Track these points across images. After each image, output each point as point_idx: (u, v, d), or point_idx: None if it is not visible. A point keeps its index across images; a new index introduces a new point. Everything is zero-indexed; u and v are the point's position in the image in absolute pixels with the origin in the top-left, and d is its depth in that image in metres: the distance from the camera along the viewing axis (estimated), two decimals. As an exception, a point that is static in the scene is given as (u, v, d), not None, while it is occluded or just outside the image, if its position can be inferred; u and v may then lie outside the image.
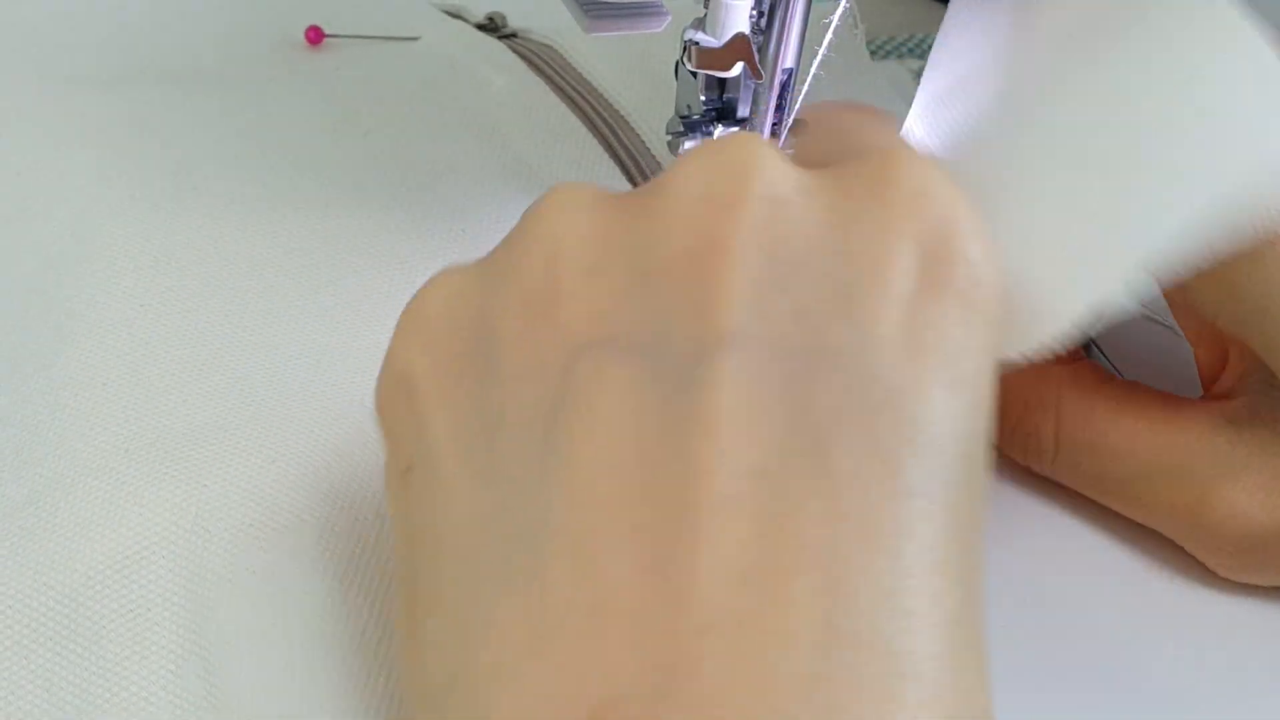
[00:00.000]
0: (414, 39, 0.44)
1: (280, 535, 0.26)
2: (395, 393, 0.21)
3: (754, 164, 0.20)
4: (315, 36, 0.43)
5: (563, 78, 0.42)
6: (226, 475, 0.27)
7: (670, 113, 0.35)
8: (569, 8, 0.30)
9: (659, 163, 0.39)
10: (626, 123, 0.40)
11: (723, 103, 0.34)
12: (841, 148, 0.23)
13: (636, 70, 0.42)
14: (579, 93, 0.42)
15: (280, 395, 0.29)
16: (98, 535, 0.26)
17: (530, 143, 0.39)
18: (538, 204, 0.21)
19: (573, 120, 0.40)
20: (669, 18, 0.31)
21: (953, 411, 0.19)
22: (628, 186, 0.38)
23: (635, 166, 0.39)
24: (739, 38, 0.31)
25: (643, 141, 0.39)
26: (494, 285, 0.20)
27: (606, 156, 0.39)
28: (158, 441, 0.28)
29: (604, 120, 0.41)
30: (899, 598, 0.17)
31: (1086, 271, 0.22)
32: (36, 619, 0.25)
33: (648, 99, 0.40)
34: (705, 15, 0.31)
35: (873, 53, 0.47)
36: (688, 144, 0.34)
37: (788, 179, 0.20)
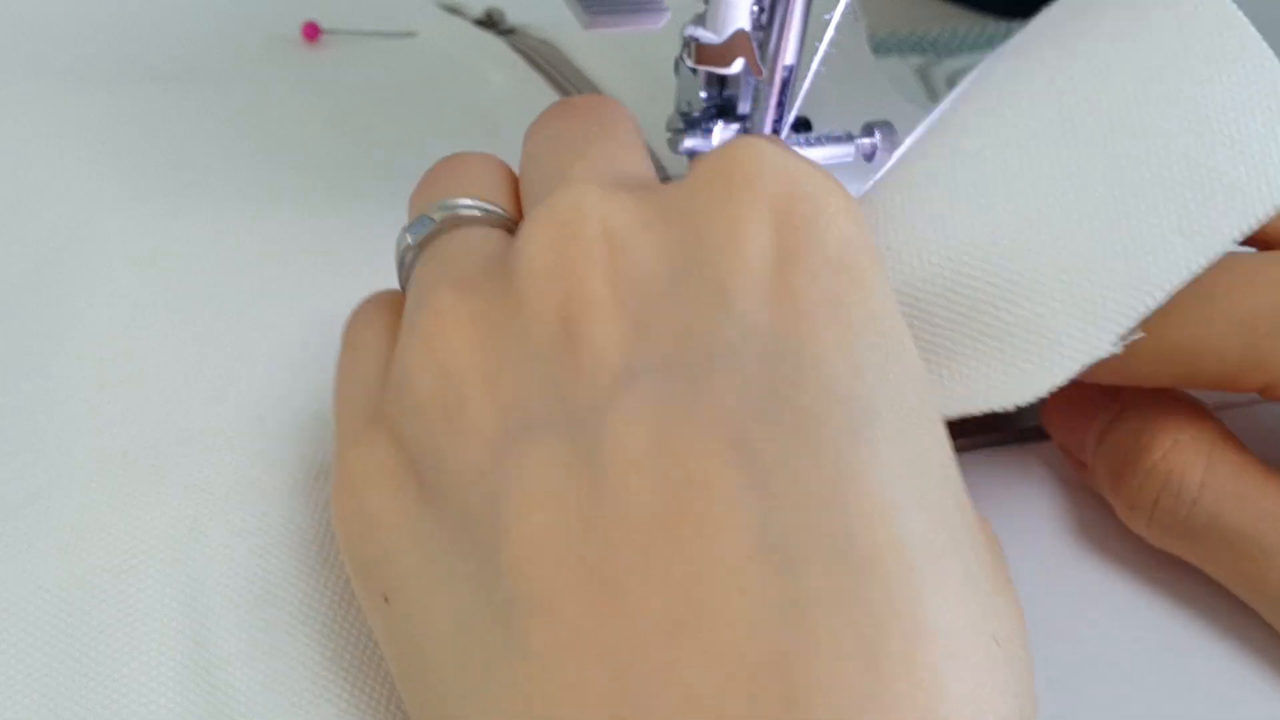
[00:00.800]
0: (411, 35, 0.44)
1: (280, 540, 0.26)
2: (354, 519, 0.22)
3: (583, 211, 0.21)
4: (312, 32, 0.42)
5: (561, 74, 0.42)
6: (225, 479, 0.27)
7: (670, 110, 0.35)
8: (568, 4, 0.30)
9: (658, 159, 0.38)
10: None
11: (723, 99, 0.34)
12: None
13: (636, 67, 0.41)
14: (578, 89, 0.42)
15: (279, 397, 0.29)
16: (95, 539, 0.26)
17: None
18: (418, 304, 0.22)
19: None
20: (669, 14, 0.30)
21: (861, 357, 0.20)
22: None
23: None
24: (739, 34, 0.30)
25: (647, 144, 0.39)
26: (412, 402, 0.21)
27: None
28: (156, 444, 0.28)
29: None
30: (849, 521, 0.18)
31: (1148, 258, 0.22)
32: (33, 622, 0.25)
33: (648, 96, 0.40)
34: (705, 11, 0.31)
35: (874, 49, 0.46)
36: (687, 142, 0.34)
37: (623, 211, 0.21)
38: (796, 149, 0.33)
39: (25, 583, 0.25)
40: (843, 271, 0.20)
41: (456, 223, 0.24)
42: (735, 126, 0.33)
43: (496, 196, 0.25)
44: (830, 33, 0.30)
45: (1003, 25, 0.52)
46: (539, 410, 0.20)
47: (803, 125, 0.34)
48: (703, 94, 0.34)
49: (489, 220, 0.24)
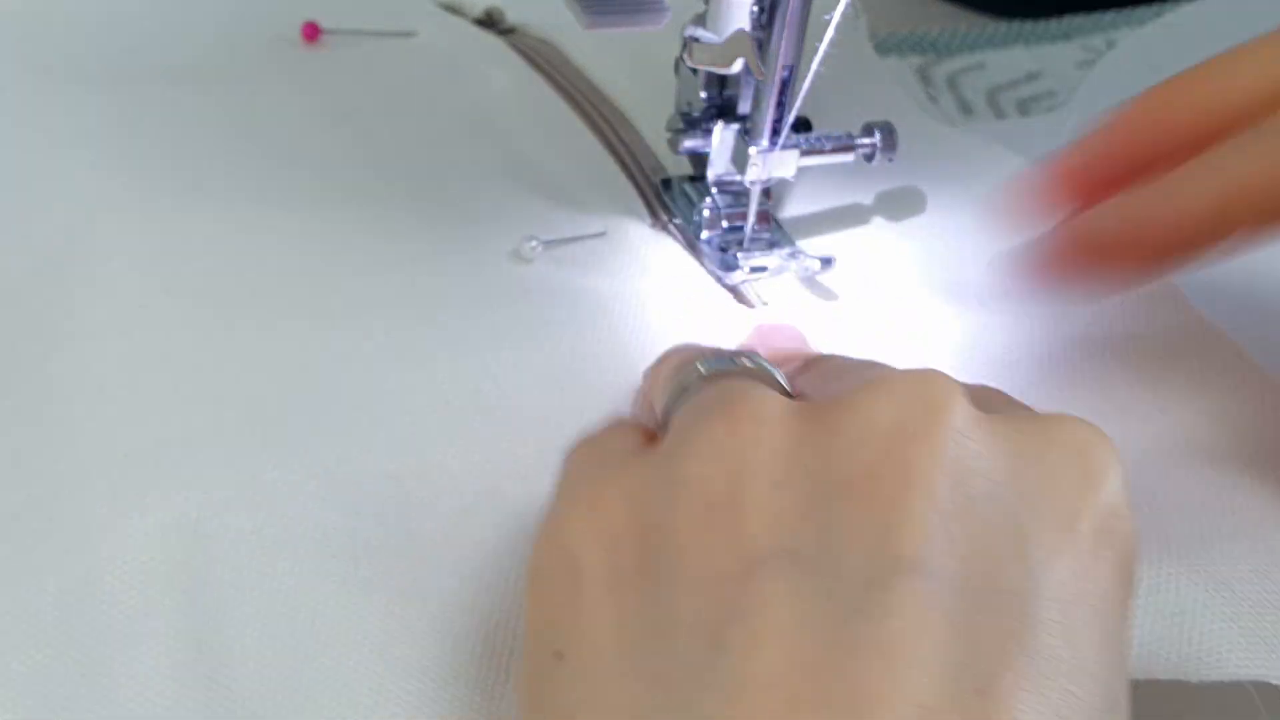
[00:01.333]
0: (411, 34, 0.44)
1: (282, 543, 0.26)
2: (556, 572, 0.21)
3: (946, 399, 0.21)
4: (312, 32, 0.43)
5: (561, 74, 0.42)
6: (227, 481, 0.27)
7: (670, 109, 0.35)
8: (569, 4, 0.30)
9: (658, 159, 0.38)
10: (626, 119, 0.40)
11: (723, 99, 0.34)
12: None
13: (636, 67, 0.41)
14: (578, 89, 0.42)
15: (281, 397, 0.29)
16: (98, 540, 0.26)
17: (528, 138, 0.39)
18: (725, 408, 0.21)
19: (571, 116, 0.40)
20: (669, 14, 0.30)
21: (1104, 663, 0.19)
22: (626, 183, 0.37)
23: (634, 162, 0.38)
24: (739, 34, 0.30)
25: (641, 137, 0.39)
26: (675, 489, 0.21)
27: (605, 152, 0.39)
28: (157, 446, 0.28)
29: (602, 116, 0.40)
30: None
31: None
32: (35, 623, 0.25)
33: (647, 96, 0.40)
34: (705, 11, 0.31)
35: (875, 49, 0.46)
36: (688, 142, 0.34)
37: (975, 418, 0.21)
38: (797, 150, 0.33)
39: (28, 584, 0.25)
40: (1123, 570, 0.21)
41: (745, 369, 0.24)
42: (735, 127, 0.33)
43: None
44: (830, 33, 0.30)
45: (1002, 25, 0.52)
46: (815, 547, 0.19)
47: (803, 125, 0.34)
48: (703, 94, 0.34)
49: (778, 385, 0.24)
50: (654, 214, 0.36)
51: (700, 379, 0.23)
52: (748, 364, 0.24)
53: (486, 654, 0.25)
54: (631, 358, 0.30)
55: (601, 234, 0.35)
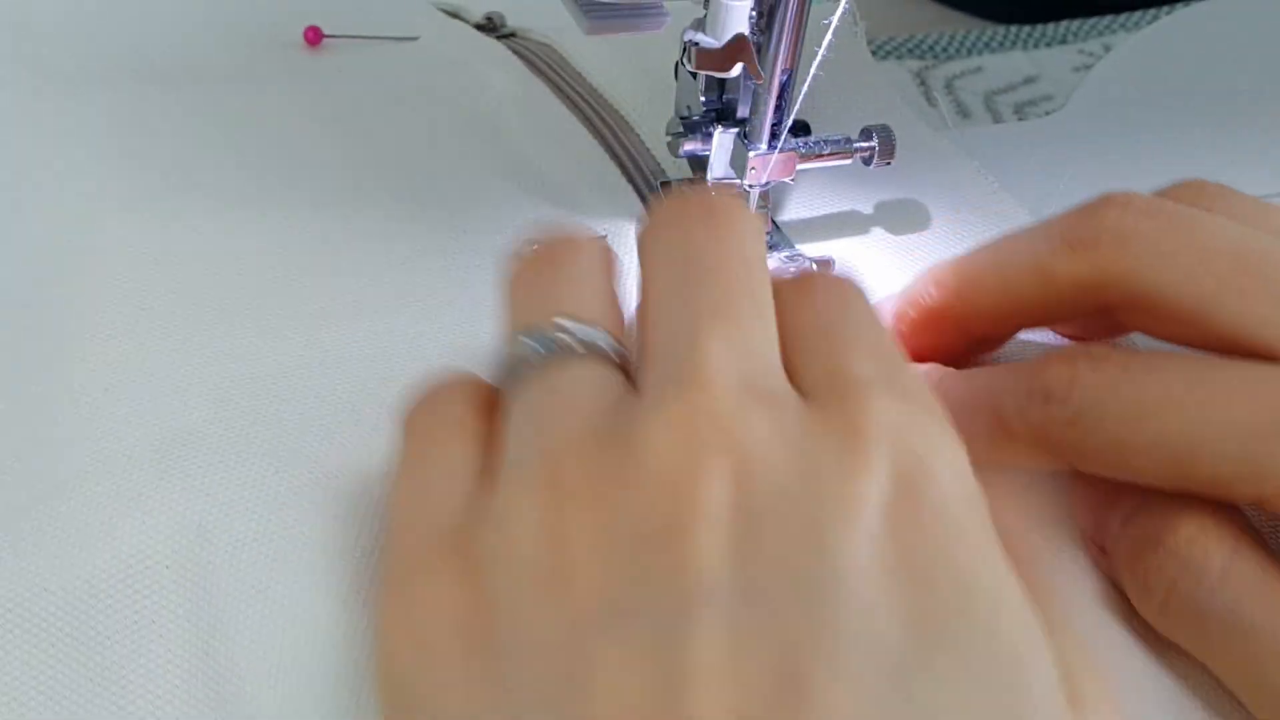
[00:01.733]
0: (413, 39, 0.44)
1: (285, 547, 0.26)
2: (404, 656, 0.22)
3: (718, 422, 0.21)
4: (314, 37, 0.43)
5: (561, 77, 0.43)
6: (231, 480, 0.27)
7: (670, 113, 0.35)
8: (569, 9, 0.30)
9: (658, 162, 0.39)
10: (626, 122, 0.40)
11: (723, 103, 0.34)
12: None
13: (636, 71, 0.42)
14: (578, 92, 0.42)
15: (282, 397, 0.29)
16: (101, 542, 0.26)
17: (529, 142, 0.39)
18: (531, 474, 0.22)
19: (571, 120, 0.41)
20: (669, 19, 0.31)
21: (937, 629, 0.20)
22: (627, 186, 0.38)
23: (634, 165, 0.39)
24: (738, 39, 0.31)
25: (642, 141, 0.40)
26: (506, 565, 0.21)
27: (605, 155, 0.39)
28: (160, 446, 0.28)
29: (603, 120, 0.41)
30: None
31: None
32: (39, 625, 0.25)
33: (647, 99, 0.40)
34: (705, 16, 0.31)
35: (873, 53, 0.47)
36: (687, 145, 0.34)
37: (754, 430, 0.21)
38: (795, 154, 0.33)
39: (30, 585, 0.25)
40: (951, 524, 0.21)
41: (574, 352, 0.24)
42: (734, 130, 0.34)
43: (610, 314, 0.25)
44: (829, 37, 0.30)
45: (1000, 30, 0.52)
46: (630, 601, 0.20)
47: (801, 129, 0.34)
48: (702, 98, 0.34)
49: (609, 359, 0.24)
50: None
51: (530, 367, 0.24)
52: (578, 346, 0.24)
53: None
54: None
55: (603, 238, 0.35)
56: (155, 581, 0.25)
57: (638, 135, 0.40)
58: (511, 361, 0.24)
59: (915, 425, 0.22)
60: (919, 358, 0.30)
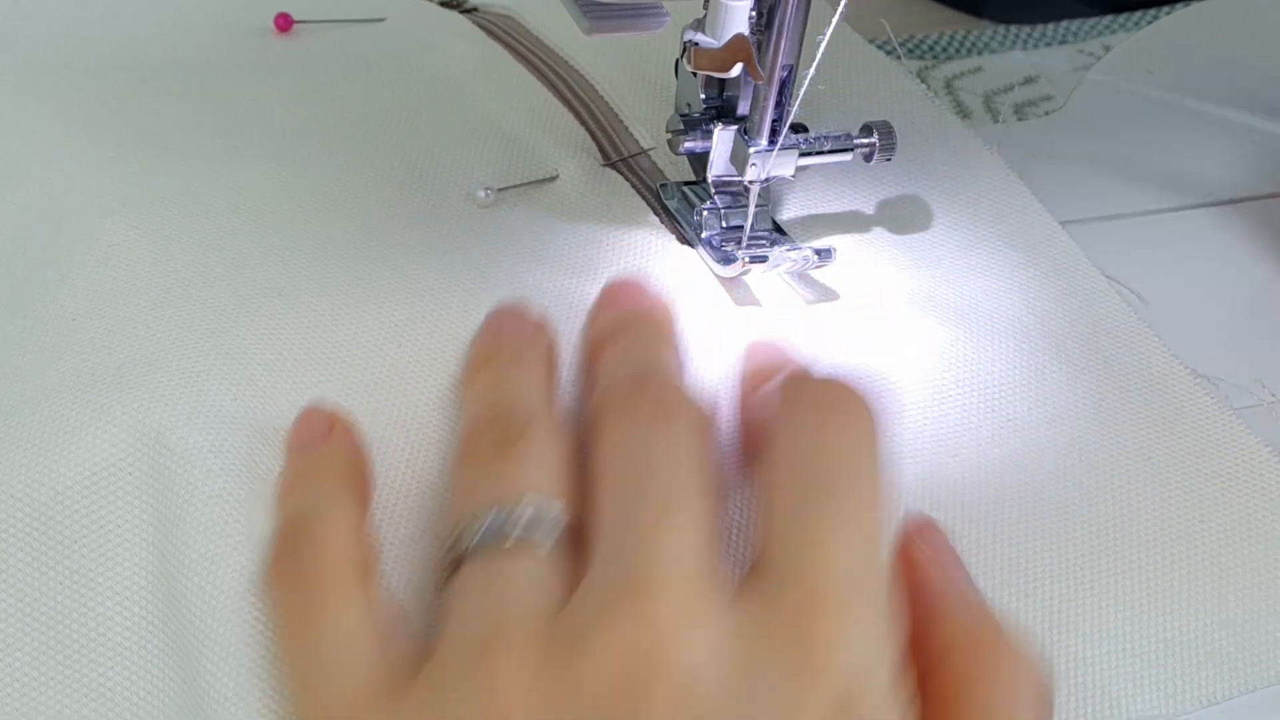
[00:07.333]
0: (380, 20, 0.45)
1: (239, 455, 0.28)
2: None
3: (660, 648, 0.22)
4: (285, 23, 0.44)
5: (520, 43, 0.46)
6: (188, 397, 0.29)
7: (670, 111, 0.36)
8: (569, 10, 0.31)
9: (615, 113, 0.41)
10: (582, 77, 0.43)
11: (722, 101, 0.35)
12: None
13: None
14: (536, 55, 0.45)
15: (243, 327, 0.31)
16: (64, 450, 0.28)
17: (488, 97, 0.42)
18: (473, 685, 0.22)
19: (528, 76, 0.43)
20: (669, 19, 0.31)
21: None
22: (583, 134, 0.40)
23: (588, 113, 0.41)
24: (738, 38, 0.31)
25: (596, 90, 0.42)
26: None
27: (558, 103, 0.42)
28: (123, 366, 0.30)
29: (556, 73, 0.44)
30: None
31: None
32: (6, 531, 0.27)
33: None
34: (705, 16, 0.31)
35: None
36: (688, 143, 0.34)
37: (698, 649, 0.22)
38: (795, 150, 0.34)
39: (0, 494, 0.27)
40: None
41: (520, 539, 0.24)
42: (734, 127, 0.34)
43: (558, 477, 0.26)
44: (828, 35, 0.31)
45: (1000, 30, 0.53)
46: None
47: (801, 127, 0.35)
48: (702, 96, 0.35)
49: (553, 536, 0.25)
50: (656, 215, 0.37)
51: (475, 553, 0.24)
52: (519, 532, 0.24)
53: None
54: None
55: (554, 178, 0.37)
56: (119, 488, 0.27)
57: (593, 86, 0.42)
58: (449, 551, 0.25)
59: (863, 647, 0.23)
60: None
